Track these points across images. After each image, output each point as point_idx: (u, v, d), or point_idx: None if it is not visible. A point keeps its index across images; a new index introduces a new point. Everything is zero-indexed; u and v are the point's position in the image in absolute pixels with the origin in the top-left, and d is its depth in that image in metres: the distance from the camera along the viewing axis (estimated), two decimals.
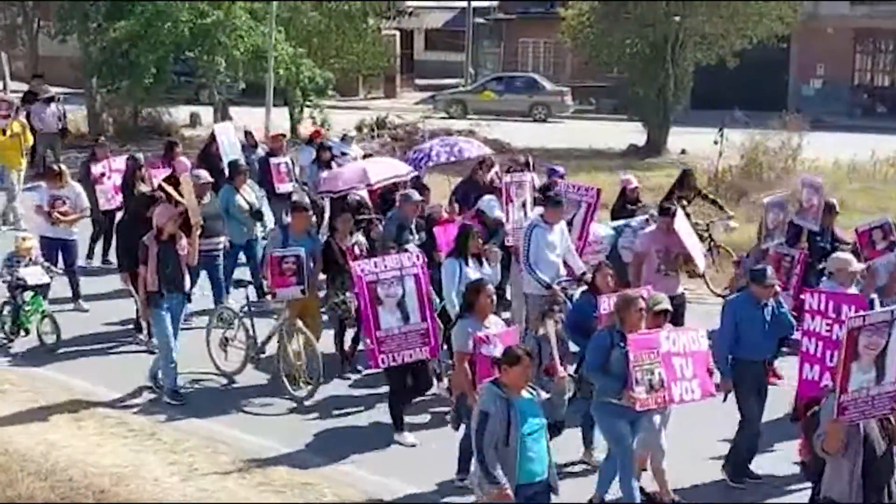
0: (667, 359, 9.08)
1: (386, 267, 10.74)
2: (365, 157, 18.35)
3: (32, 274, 13.53)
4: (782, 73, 43.58)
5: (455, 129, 30.83)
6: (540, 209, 13.08)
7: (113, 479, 10.06)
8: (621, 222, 14.72)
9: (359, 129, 30.82)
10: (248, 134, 19.53)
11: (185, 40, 25.93)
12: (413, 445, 10.86)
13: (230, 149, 17.57)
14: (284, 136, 19.60)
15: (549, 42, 47.16)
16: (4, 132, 20.12)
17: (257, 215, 15.32)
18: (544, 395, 8.18)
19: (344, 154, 19.00)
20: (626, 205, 15.66)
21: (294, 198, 16.52)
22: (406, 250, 11.34)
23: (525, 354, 7.84)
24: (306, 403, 11.87)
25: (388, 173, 15.62)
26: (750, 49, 31.24)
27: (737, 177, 23.31)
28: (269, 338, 12.55)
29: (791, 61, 44.18)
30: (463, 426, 9.65)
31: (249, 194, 15.29)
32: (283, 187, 17.25)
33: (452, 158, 16.75)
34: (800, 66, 44.43)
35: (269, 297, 13.02)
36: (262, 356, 12.60)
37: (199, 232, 12.32)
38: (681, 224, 12.84)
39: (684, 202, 16.01)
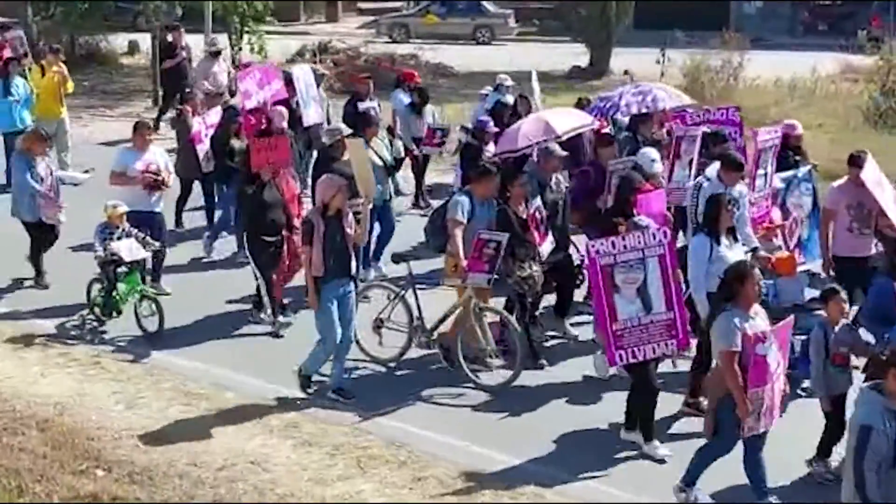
0: None
1: (626, 247, 9.14)
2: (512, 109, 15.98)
3: (127, 248, 11.78)
4: None
5: (399, 53, 30.64)
6: (715, 165, 11.36)
7: (57, 408, 10.06)
8: (788, 174, 12.83)
9: (300, 54, 30.56)
10: (317, 74, 17.82)
11: None
12: (663, 461, 9.25)
13: (307, 93, 16.07)
14: (371, 78, 17.88)
15: None
16: (43, 76, 18.20)
17: (393, 171, 13.70)
18: None
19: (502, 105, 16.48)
20: (787, 153, 13.24)
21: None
22: (647, 227, 9.59)
23: None
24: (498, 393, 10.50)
25: (574, 123, 13.10)
26: None
27: None
28: (444, 319, 10.95)
29: None
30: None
31: (381, 148, 13.54)
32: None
33: (645, 109, 14.17)
34: None
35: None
36: (432, 340, 11.04)
37: (370, 206, 11.17)
38: (869, 174, 11.23)
39: None
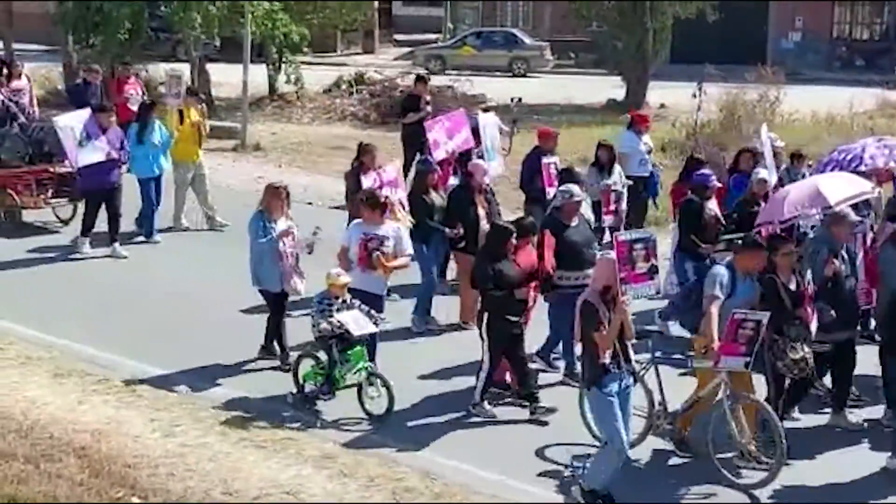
0: None
1: None
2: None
3: (354, 320, 10.61)
4: (761, 26, 43.60)
5: (434, 84, 30.71)
6: None
7: (94, 435, 10.06)
8: None
9: (337, 84, 30.75)
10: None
11: None
12: None
13: (492, 145, 15.18)
14: (558, 134, 15.92)
15: None
16: (182, 119, 16.85)
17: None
18: None
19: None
20: None
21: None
22: None
23: None
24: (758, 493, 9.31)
25: (851, 191, 11.24)
26: (729, 2, 31.17)
27: (716, 130, 23.34)
28: (692, 406, 9.75)
29: (770, 14, 44.19)
30: None
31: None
32: (552, 191, 13.37)
33: (893, 163, 12.97)
34: (778, 19, 44.46)
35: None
36: (672, 425, 9.88)
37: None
38: None
39: None
